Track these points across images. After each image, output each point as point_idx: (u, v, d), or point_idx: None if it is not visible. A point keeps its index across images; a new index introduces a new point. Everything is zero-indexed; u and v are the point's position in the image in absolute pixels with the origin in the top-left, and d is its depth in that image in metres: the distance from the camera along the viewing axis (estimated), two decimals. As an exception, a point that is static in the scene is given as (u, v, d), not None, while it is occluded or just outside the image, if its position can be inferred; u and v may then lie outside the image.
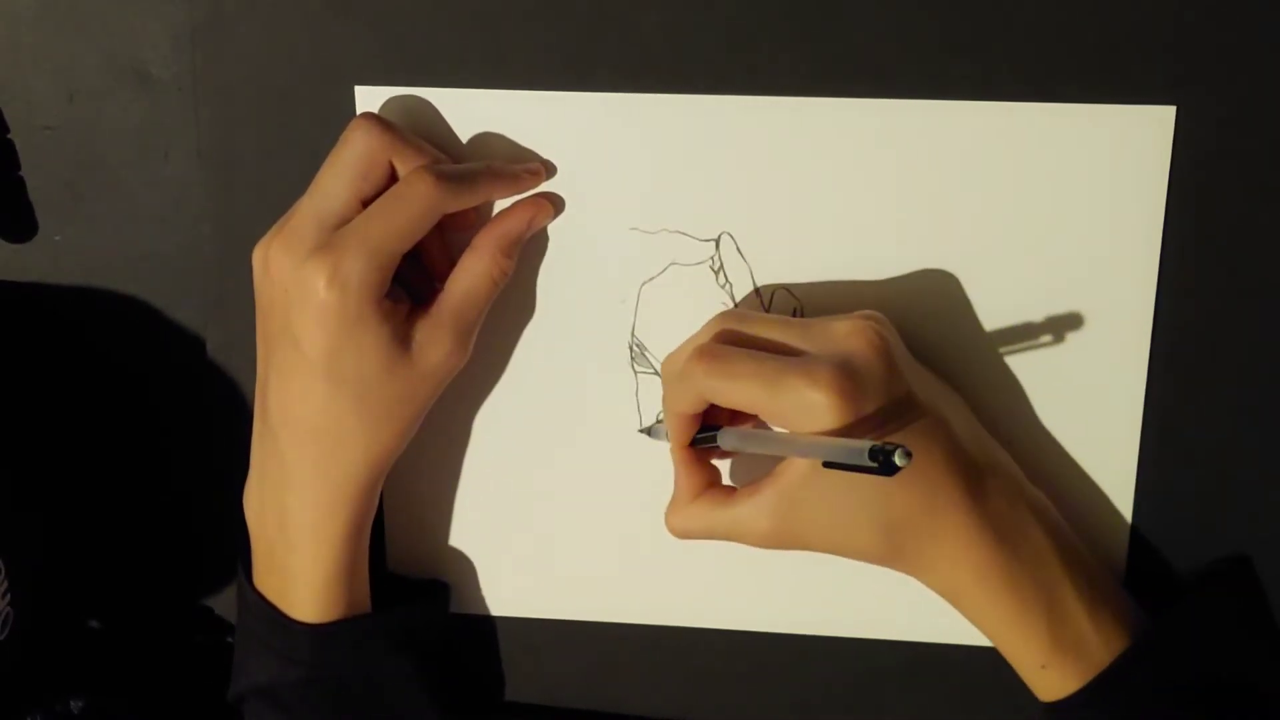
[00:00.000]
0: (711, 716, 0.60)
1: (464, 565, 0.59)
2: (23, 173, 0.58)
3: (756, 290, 0.54)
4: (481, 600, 0.60)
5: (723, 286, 0.55)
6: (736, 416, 0.52)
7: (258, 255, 0.51)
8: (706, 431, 0.51)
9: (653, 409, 0.56)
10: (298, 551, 0.53)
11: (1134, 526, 0.55)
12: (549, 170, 0.54)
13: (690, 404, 0.50)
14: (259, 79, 0.55)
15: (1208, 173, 0.52)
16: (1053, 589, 0.50)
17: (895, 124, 0.52)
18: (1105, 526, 0.55)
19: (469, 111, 0.54)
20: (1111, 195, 0.52)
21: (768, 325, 0.50)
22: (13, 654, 0.55)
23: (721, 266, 0.54)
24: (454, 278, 0.52)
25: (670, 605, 0.59)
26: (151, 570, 0.62)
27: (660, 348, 0.55)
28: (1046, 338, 0.54)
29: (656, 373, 0.55)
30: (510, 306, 0.56)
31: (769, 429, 0.51)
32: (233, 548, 0.56)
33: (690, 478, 0.52)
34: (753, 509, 0.50)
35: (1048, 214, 0.52)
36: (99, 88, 0.56)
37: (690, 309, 0.54)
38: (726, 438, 0.50)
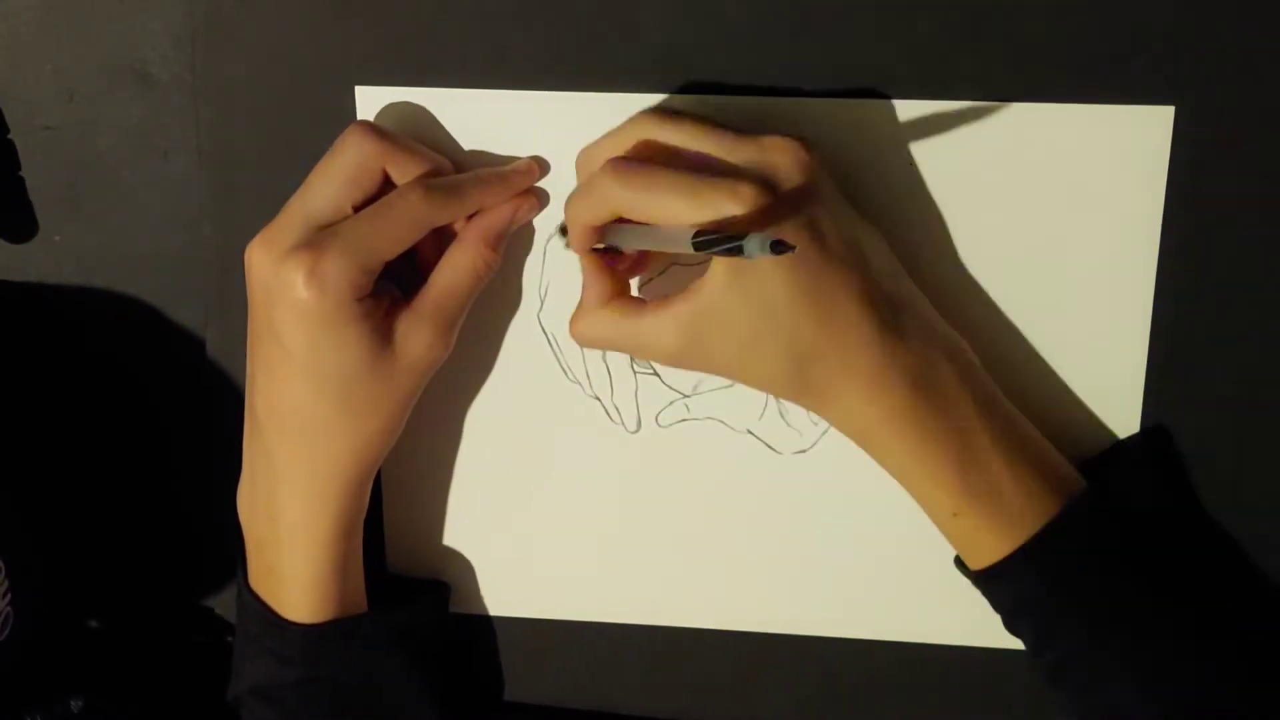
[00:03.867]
0: (711, 716, 0.60)
1: (464, 565, 0.59)
2: (23, 173, 0.58)
3: None
4: (481, 600, 0.60)
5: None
6: None
7: (247, 253, 0.51)
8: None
9: (652, 409, 0.56)
10: (287, 550, 0.53)
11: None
12: (542, 167, 0.54)
13: (600, 216, 0.49)
14: (259, 79, 0.55)
15: (1206, 173, 0.52)
16: (965, 434, 0.49)
17: (895, 124, 0.52)
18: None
19: (469, 111, 0.54)
20: (1110, 195, 0.52)
21: (692, 133, 0.49)
22: (13, 654, 0.55)
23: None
24: (437, 270, 0.52)
25: (670, 605, 0.59)
26: (151, 570, 0.62)
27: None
28: (1044, 337, 0.54)
29: (655, 372, 0.55)
30: (509, 306, 0.56)
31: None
32: (232, 548, 0.56)
33: (598, 283, 0.51)
34: (660, 323, 0.49)
35: (1046, 213, 0.52)
36: (99, 88, 0.56)
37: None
38: (620, 235, 0.49)
